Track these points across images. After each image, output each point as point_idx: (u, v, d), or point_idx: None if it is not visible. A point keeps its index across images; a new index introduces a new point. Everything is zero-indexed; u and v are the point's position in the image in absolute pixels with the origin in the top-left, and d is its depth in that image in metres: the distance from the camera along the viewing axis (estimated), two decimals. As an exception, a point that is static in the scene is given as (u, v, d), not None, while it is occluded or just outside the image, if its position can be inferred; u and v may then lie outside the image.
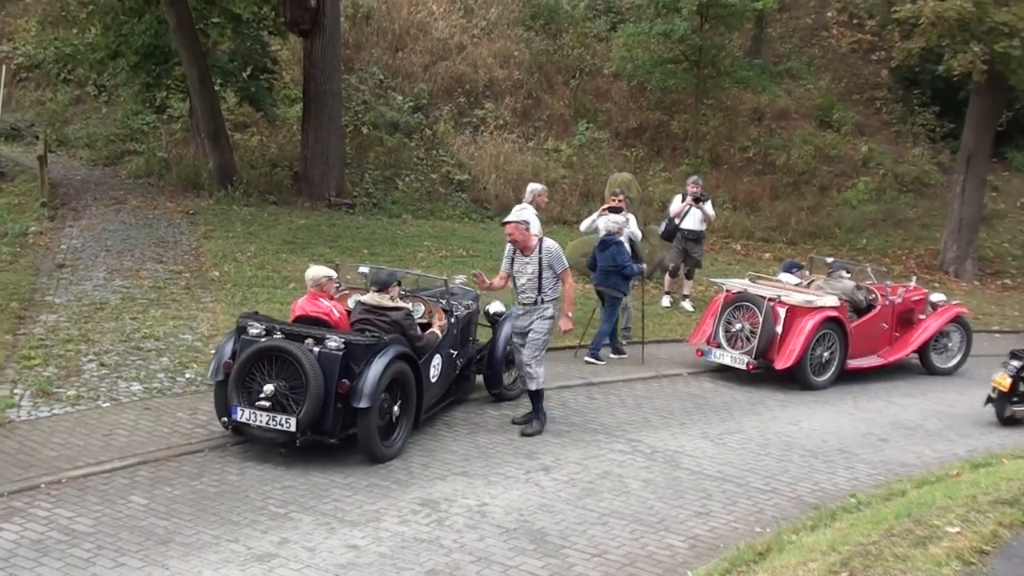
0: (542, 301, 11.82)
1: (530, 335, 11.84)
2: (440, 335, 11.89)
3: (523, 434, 11.75)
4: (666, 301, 18.82)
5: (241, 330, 10.77)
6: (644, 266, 16.28)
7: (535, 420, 11.94)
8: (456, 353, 12.31)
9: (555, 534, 9.23)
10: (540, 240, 11.99)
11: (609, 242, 15.37)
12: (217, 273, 17.79)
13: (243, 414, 10.29)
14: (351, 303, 11.83)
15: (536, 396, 11.95)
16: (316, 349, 10.40)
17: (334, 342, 10.43)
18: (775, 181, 29.34)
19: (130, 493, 9.51)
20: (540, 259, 11.81)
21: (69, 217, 21.45)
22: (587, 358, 15.25)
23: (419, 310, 11.91)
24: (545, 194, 15.63)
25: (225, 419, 10.56)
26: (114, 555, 8.28)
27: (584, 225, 17.02)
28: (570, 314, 12.05)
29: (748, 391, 14.52)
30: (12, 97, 29.10)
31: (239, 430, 10.56)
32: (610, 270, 15.26)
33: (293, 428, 10.18)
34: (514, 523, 9.40)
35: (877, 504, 9.74)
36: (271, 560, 8.35)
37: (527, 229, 11.92)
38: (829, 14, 35.54)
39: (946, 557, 7.13)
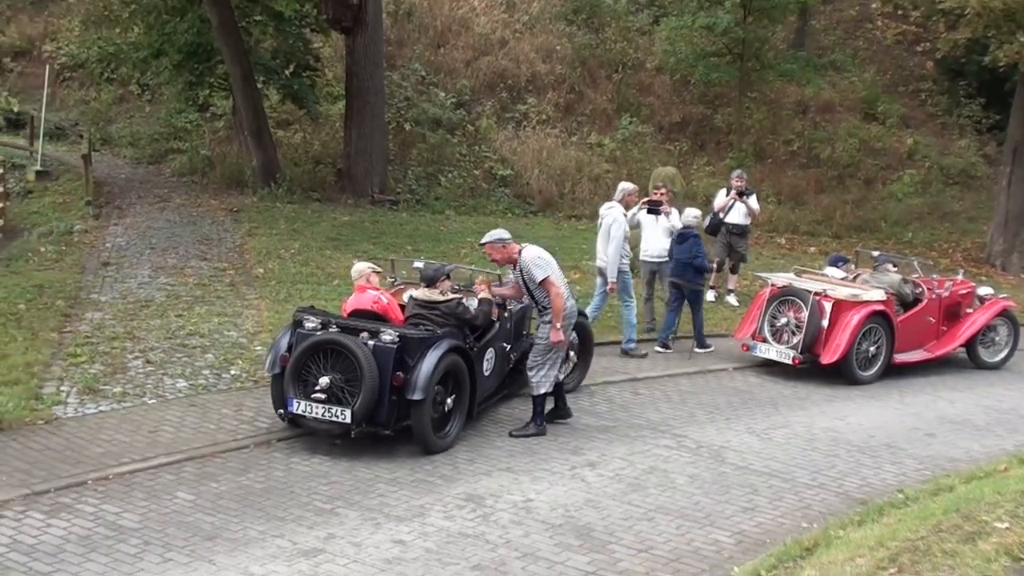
0: (543, 309, 11.61)
1: (535, 341, 11.75)
2: (493, 300, 11.93)
3: (511, 434, 11.57)
4: (711, 296, 18.70)
5: (297, 324, 10.93)
6: (713, 265, 16.63)
7: (531, 423, 11.67)
8: (510, 347, 12.29)
9: (601, 530, 9.19)
10: (520, 252, 11.64)
11: (687, 235, 15.63)
12: (261, 270, 17.88)
13: (299, 406, 10.43)
14: (405, 298, 11.87)
15: (536, 401, 11.70)
16: (371, 342, 10.50)
17: (388, 335, 10.54)
18: (820, 174, 29.14)
19: (176, 489, 9.55)
20: (520, 272, 11.63)
21: (114, 215, 21.63)
22: (696, 349, 15.55)
23: (473, 303, 11.89)
24: (636, 193, 15.72)
25: (281, 411, 10.70)
26: (161, 551, 8.32)
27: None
28: (558, 325, 11.46)
29: (794, 386, 14.41)
30: (56, 97, 29.36)
31: (295, 422, 10.67)
32: (687, 262, 15.44)
33: (348, 420, 10.28)
34: (559, 519, 9.37)
35: (925, 500, 9.65)
36: (317, 555, 8.36)
37: (504, 246, 11.61)
38: (873, 5, 35.30)
39: (995, 553, 7.05)
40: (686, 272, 15.51)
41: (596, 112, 30.11)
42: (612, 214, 14.99)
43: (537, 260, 11.49)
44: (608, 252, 14.87)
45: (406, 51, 30.87)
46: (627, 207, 15.26)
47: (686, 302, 15.78)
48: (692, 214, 15.99)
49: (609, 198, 22.82)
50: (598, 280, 15.37)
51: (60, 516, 8.84)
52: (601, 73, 31.25)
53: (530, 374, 11.62)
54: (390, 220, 23.45)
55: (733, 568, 8.43)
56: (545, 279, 11.39)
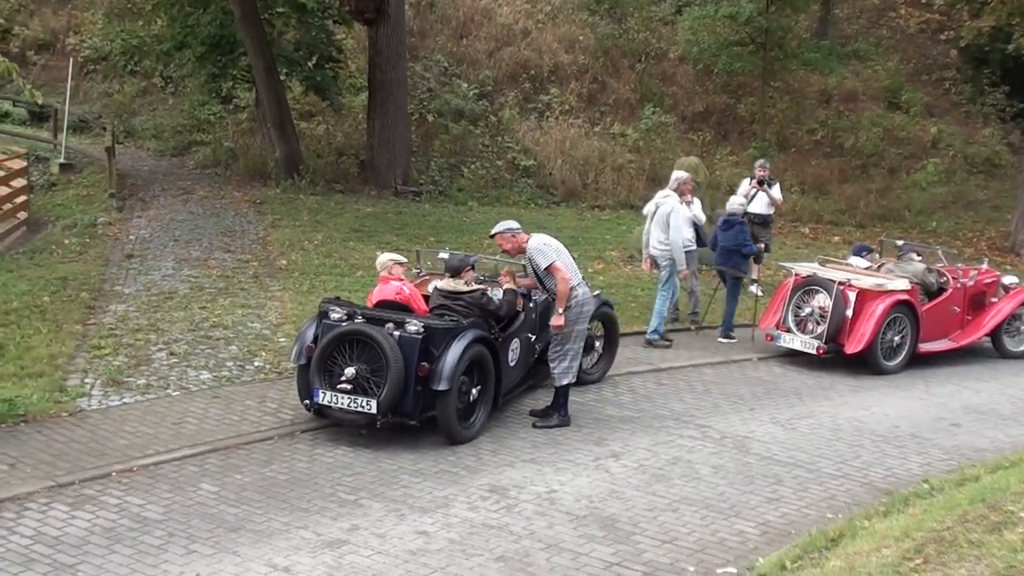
0: (555, 296, 11.55)
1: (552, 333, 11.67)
2: (518, 291, 11.93)
3: (535, 425, 11.51)
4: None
5: (323, 315, 10.93)
6: (761, 246, 16.87)
7: (555, 414, 11.61)
8: (534, 338, 12.24)
9: (625, 520, 9.16)
10: (527, 241, 11.57)
11: (732, 222, 15.75)
12: (285, 262, 17.91)
13: (325, 397, 10.46)
14: (430, 289, 11.88)
15: (559, 391, 11.61)
16: (396, 333, 10.51)
17: (414, 326, 10.55)
18: (843, 164, 29.06)
19: (200, 481, 9.57)
20: (529, 261, 11.60)
21: (137, 207, 21.72)
22: (720, 339, 15.60)
23: (498, 294, 11.86)
24: (690, 182, 15.78)
25: (307, 402, 10.71)
26: (185, 542, 8.33)
27: (647, 208, 16.86)
28: (560, 310, 11.34)
29: (818, 376, 14.34)
30: (80, 89, 29.47)
31: (321, 413, 10.70)
32: (732, 249, 15.59)
33: (374, 410, 10.30)
34: (584, 510, 9.35)
35: (950, 490, 9.59)
36: (342, 546, 8.36)
37: (513, 236, 11.58)
38: (896, -7, 35.16)
39: (1021, 543, 7.02)
40: (731, 258, 15.66)
41: (619, 102, 30.08)
42: (669, 203, 15.13)
43: (542, 247, 11.44)
44: (672, 241, 14.97)
45: (429, 42, 30.89)
46: (681, 195, 15.33)
47: (692, 286, 16.10)
48: (737, 201, 16.26)
49: (632, 188, 22.82)
50: (656, 273, 15.36)
51: (84, 508, 8.86)
52: (624, 63, 31.22)
53: (552, 366, 11.59)
54: (413, 211, 23.47)
55: (758, 559, 8.40)
56: (550, 265, 11.32)
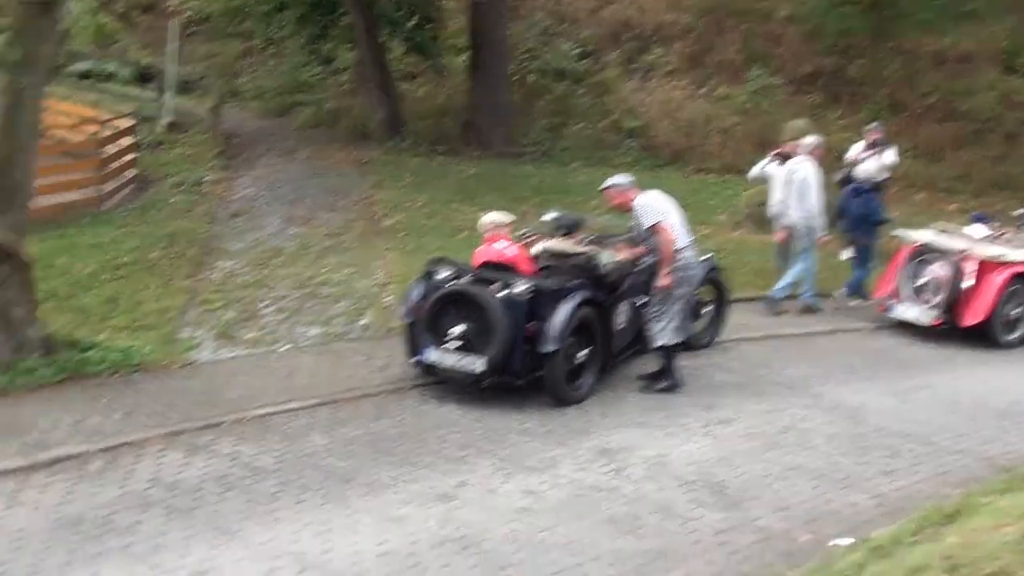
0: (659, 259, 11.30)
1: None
2: (628, 260, 11.69)
3: (643, 389, 11.33)
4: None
5: (429, 274, 10.97)
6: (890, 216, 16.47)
7: (662, 379, 11.42)
8: (642, 302, 12.06)
9: (735, 487, 8.99)
10: (636, 197, 11.39)
11: (861, 190, 15.76)
12: (389, 222, 17.92)
13: (433, 355, 10.47)
14: (536, 249, 11.76)
15: (662, 354, 11.40)
16: (503, 293, 10.44)
17: (520, 286, 10.46)
18: (958, 129, 28.14)
19: (310, 433, 9.62)
20: (635, 218, 11.38)
21: (242, 167, 21.97)
22: (838, 293, 15.65)
23: (604, 258, 11.67)
24: (822, 146, 15.46)
25: (415, 359, 10.75)
26: (297, 492, 8.39)
27: (753, 173, 16.54)
28: (666, 270, 11.10)
29: (933, 347, 13.93)
30: (183, 50, 29.75)
31: (428, 370, 10.71)
32: (862, 216, 15.50)
33: (481, 369, 10.26)
34: (693, 475, 9.19)
35: (1074, 469, 9.30)
36: (451, 501, 8.35)
37: (622, 191, 11.39)
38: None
39: None
40: (861, 226, 15.53)
41: (724, 63, 29.51)
42: (803, 169, 14.75)
43: (647, 206, 11.27)
44: (809, 207, 14.62)
45: (529, 2, 30.61)
46: (815, 160, 15.05)
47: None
48: (864, 169, 16.36)
49: (740, 152, 22.42)
50: (796, 243, 15.06)
51: (198, 455, 8.99)
52: (729, 23, 30.59)
53: (647, 326, 11.39)
54: (516, 173, 23.36)
55: (873, 531, 8.17)
56: (655, 224, 11.11)
